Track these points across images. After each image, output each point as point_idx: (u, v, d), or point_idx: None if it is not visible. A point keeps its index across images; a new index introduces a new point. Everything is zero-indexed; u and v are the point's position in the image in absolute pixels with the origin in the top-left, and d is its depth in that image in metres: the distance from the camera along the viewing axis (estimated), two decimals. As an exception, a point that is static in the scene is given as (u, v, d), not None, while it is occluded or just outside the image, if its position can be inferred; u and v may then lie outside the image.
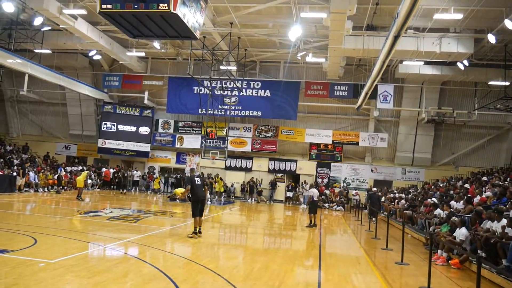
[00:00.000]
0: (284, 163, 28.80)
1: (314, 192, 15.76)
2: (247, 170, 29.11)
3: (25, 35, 22.36)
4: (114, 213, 15.12)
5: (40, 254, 7.54)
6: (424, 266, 8.53)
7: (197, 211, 10.82)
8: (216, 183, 26.86)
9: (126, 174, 27.25)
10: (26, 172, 21.38)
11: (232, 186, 28.71)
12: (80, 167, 27.50)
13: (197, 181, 10.95)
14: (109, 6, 9.50)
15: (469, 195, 14.43)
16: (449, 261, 9.55)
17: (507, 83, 20.77)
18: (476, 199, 13.78)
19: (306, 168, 28.56)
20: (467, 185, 17.78)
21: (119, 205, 18.28)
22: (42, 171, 23.48)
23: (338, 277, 7.69)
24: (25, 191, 20.79)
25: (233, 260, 8.97)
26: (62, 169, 24.72)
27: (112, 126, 29.34)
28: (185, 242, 10.41)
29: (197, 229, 10.86)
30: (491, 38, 17.49)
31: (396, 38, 12.62)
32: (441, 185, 21.55)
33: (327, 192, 27.33)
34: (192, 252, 9.36)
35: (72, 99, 30.36)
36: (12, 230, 9.87)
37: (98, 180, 27.24)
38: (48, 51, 25.28)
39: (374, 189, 23.41)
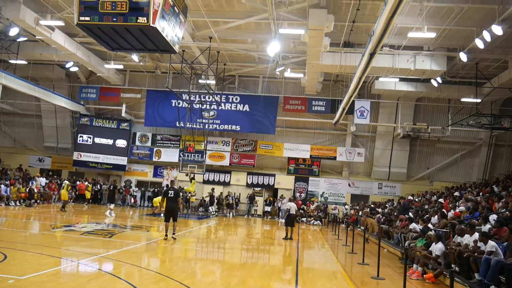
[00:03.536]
0: (262, 177, 28.81)
1: (291, 205, 15.82)
2: (225, 184, 28.99)
3: (-1, 45, 21.95)
4: (89, 227, 14.80)
5: (10, 270, 7.29)
6: (400, 280, 8.60)
7: (168, 218, 13.00)
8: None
9: (105, 187, 26.62)
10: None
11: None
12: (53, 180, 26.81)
13: (170, 194, 13.08)
14: (87, 18, 9.42)
15: (443, 209, 14.71)
16: (424, 276, 9.67)
17: (479, 100, 21.38)
18: (450, 214, 14.06)
19: (284, 182, 28.63)
20: (441, 200, 18.12)
21: (93, 219, 17.91)
22: (14, 183, 22.78)
23: (314, 292, 7.69)
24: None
25: (209, 276, 8.87)
26: (34, 182, 23.99)
27: (88, 139, 28.87)
28: (161, 257, 10.26)
29: (167, 232, 13.01)
30: (463, 57, 18.03)
31: (372, 55, 12.90)
32: (416, 199, 21.89)
33: (304, 207, 27.43)
34: (168, 268, 9.23)
35: (47, 111, 29.80)
36: (-19, 245, 9.53)
37: (73, 193, 26.61)
38: (24, 62, 24.80)
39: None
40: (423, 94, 24.77)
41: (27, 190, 22.95)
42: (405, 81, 23.40)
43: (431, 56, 19.74)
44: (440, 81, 21.42)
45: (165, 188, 15.23)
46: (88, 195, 25.04)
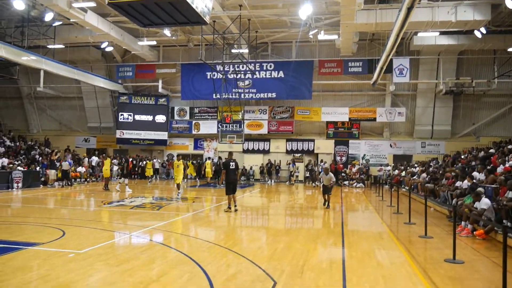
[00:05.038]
0: (301, 143, 28.76)
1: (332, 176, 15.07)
2: (265, 152, 29.18)
3: (37, 31, 22.58)
4: (137, 201, 15.39)
5: (69, 245, 7.74)
6: (449, 238, 8.47)
7: (230, 191, 12.84)
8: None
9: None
10: (56, 162, 21.77)
11: (251, 168, 28.82)
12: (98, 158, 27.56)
13: (231, 166, 12.78)
14: (118, -3, 9.47)
15: (492, 165, 14.21)
16: (474, 232, 9.47)
17: (527, 48, 20.20)
18: (500, 169, 13.55)
19: (324, 147, 28.47)
20: (492, 150, 17.33)
21: (141, 194, 18.57)
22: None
23: (361, 253, 7.71)
24: (50, 185, 21.18)
25: (256, 242, 9.04)
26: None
27: (129, 117, 29.67)
28: (208, 226, 10.57)
29: (230, 205, 12.97)
30: (509, 3, 16.90)
31: (409, 9, 12.36)
32: (462, 156, 21.24)
33: (346, 170, 27.31)
34: (216, 236, 9.49)
35: (88, 92, 30.76)
36: (41, 223, 10.15)
37: (120, 170, 27.46)
38: (61, 46, 25.54)
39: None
40: (466, 47, 23.63)
41: (77, 169, 23.98)
42: (446, 35, 22.37)
43: (474, 5, 18.67)
44: (484, 31, 20.34)
45: (225, 160, 14.22)
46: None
